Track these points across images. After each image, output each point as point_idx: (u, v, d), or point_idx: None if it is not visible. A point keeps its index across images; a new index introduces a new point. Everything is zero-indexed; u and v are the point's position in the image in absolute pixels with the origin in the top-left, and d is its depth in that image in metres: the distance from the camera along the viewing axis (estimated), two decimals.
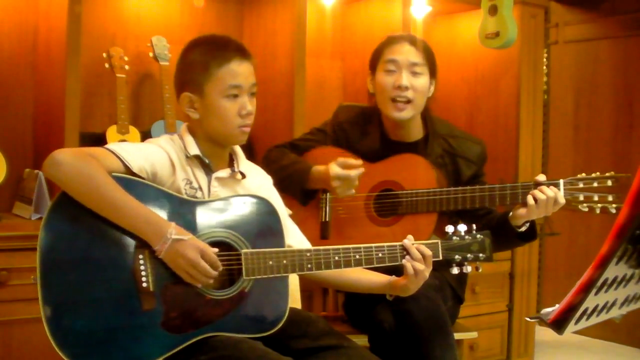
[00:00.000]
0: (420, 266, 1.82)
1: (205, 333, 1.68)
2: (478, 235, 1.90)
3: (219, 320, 1.69)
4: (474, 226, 1.92)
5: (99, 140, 2.74)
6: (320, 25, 3.51)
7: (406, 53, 2.30)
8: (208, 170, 1.84)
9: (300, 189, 2.29)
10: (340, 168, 2.17)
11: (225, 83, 1.78)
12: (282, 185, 2.12)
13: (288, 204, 2.12)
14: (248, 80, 1.82)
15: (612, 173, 2.06)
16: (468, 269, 1.90)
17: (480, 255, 1.90)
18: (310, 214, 2.35)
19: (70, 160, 1.62)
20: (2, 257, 2.31)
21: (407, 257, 1.83)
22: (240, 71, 1.80)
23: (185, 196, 1.77)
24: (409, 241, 1.85)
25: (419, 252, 1.83)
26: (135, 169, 1.70)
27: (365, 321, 2.20)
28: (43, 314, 1.58)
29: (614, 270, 1.26)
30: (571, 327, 1.33)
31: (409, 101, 2.28)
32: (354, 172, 2.17)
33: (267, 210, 1.81)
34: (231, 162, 1.91)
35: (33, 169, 2.70)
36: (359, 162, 2.19)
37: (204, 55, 1.80)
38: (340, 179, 2.17)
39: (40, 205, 2.56)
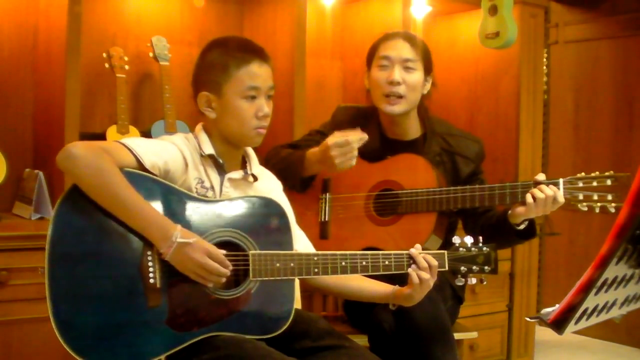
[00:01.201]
0: (425, 275, 1.82)
1: (209, 332, 1.68)
2: (484, 248, 1.92)
3: (223, 320, 1.70)
4: (480, 238, 1.93)
5: (99, 140, 2.74)
6: (320, 25, 3.51)
7: (399, 49, 2.31)
8: (221, 170, 1.85)
9: (298, 175, 2.27)
10: (337, 136, 2.14)
11: (244, 84, 1.80)
12: (282, 176, 2.11)
13: (288, 182, 2.13)
14: (266, 82, 1.83)
15: (612, 172, 2.07)
16: (472, 280, 1.92)
17: (486, 267, 1.91)
18: (310, 214, 2.35)
19: (84, 154, 1.62)
20: (2, 257, 2.31)
21: (413, 265, 1.84)
22: (259, 73, 1.82)
23: (195, 195, 1.77)
24: (416, 250, 1.86)
25: (425, 262, 1.83)
26: (147, 165, 1.70)
27: (365, 321, 2.20)
28: (49, 307, 1.58)
29: (614, 270, 1.26)
30: (571, 327, 1.33)
31: (401, 97, 2.28)
32: (352, 137, 2.13)
33: (276, 213, 1.81)
34: (244, 164, 1.92)
35: (33, 169, 2.70)
36: (358, 131, 2.16)
37: (224, 55, 1.81)
38: (339, 145, 2.12)
39: (40, 205, 2.56)
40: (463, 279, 1.91)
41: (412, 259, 1.85)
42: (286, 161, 2.31)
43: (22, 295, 2.31)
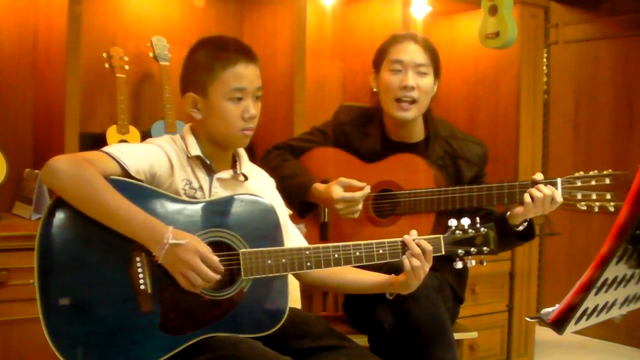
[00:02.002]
0: (416, 262, 1.79)
1: (204, 334, 1.68)
2: (482, 229, 1.87)
3: (217, 320, 1.69)
4: (478, 219, 1.89)
5: (99, 140, 2.74)
6: (320, 25, 3.51)
7: (412, 53, 2.29)
8: (210, 171, 1.83)
9: (299, 203, 2.29)
10: (342, 189, 2.16)
11: (229, 85, 1.78)
12: (282, 196, 2.11)
13: (287, 205, 2.11)
14: (253, 83, 1.81)
15: (610, 171, 2.06)
16: (472, 262, 1.87)
17: (485, 248, 1.86)
18: (309, 216, 2.35)
19: (66, 168, 1.61)
20: (2, 257, 2.31)
21: (407, 252, 1.81)
22: (245, 74, 1.79)
23: (183, 197, 1.76)
24: (409, 236, 1.83)
25: (418, 247, 1.80)
26: (132, 171, 1.69)
27: (365, 321, 2.19)
28: (41, 317, 1.58)
29: (614, 270, 1.26)
30: (571, 327, 1.33)
31: (413, 101, 2.27)
32: (359, 195, 2.16)
33: (264, 209, 1.79)
34: (234, 163, 1.90)
35: (33, 169, 2.70)
36: (363, 184, 2.18)
37: (210, 56, 1.79)
38: (345, 201, 2.17)
39: (40, 205, 2.56)
40: (461, 262, 1.86)
41: (406, 246, 1.82)
42: (289, 183, 2.27)
43: (22, 295, 2.31)
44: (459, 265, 1.87)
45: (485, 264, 1.90)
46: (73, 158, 1.65)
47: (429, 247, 1.81)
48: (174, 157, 1.79)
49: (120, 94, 2.83)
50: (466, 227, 1.87)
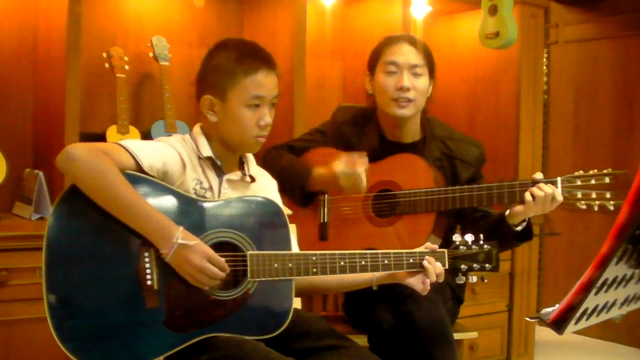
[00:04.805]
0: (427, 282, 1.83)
1: (207, 333, 1.68)
2: (485, 246, 1.89)
3: (221, 320, 1.70)
4: (481, 236, 1.91)
5: (99, 140, 2.74)
6: (320, 25, 3.51)
7: (406, 54, 2.30)
8: (220, 172, 1.85)
9: (300, 191, 2.28)
10: (345, 165, 2.16)
11: (249, 93, 1.79)
12: (282, 187, 2.11)
13: (287, 205, 2.11)
14: (271, 92, 1.83)
15: (610, 170, 2.06)
16: (474, 279, 1.89)
17: (487, 265, 1.89)
18: (309, 215, 2.35)
19: (84, 156, 1.62)
20: (2, 257, 2.31)
21: (428, 266, 1.82)
22: (265, 82, 1.81)
23: (194, 196, 1.77)
24: (428, 264, 1.83)
25: (434, 275, 1.82)
26: (146, 167, 1.70)
27: (365, 321, 2.20)
28: (46, 307, 1.58)
29: (614, 270, 1.26)
30: (571, 327, 1.33)
31: (410, 101, 2.28)
32: (360, 168, 2.16)
33: (274, 212, 1.80)
34: (241, 165, 1.92)
35: (33, 169, 2.70)
36: (363, 156, 2.18)
37: (232, 61, 1.80)
38: (347, 175, 2.16)
39: (40, 205, 2.56)
40: (464, 277, 1.89)
41: (414, 258, 1.83)
42: (288, 172, 2.28)
43: (22, 295, 2.31)
44: (461, 280, 1.89)
45: (486, 280, 1.93)
46: (91, 147, 1.66)
47: (440, 269, 1.83)
48: (185, 156, 1.80)
49: (120, 94, 2.83)
50: (469, 242, 1.90)
